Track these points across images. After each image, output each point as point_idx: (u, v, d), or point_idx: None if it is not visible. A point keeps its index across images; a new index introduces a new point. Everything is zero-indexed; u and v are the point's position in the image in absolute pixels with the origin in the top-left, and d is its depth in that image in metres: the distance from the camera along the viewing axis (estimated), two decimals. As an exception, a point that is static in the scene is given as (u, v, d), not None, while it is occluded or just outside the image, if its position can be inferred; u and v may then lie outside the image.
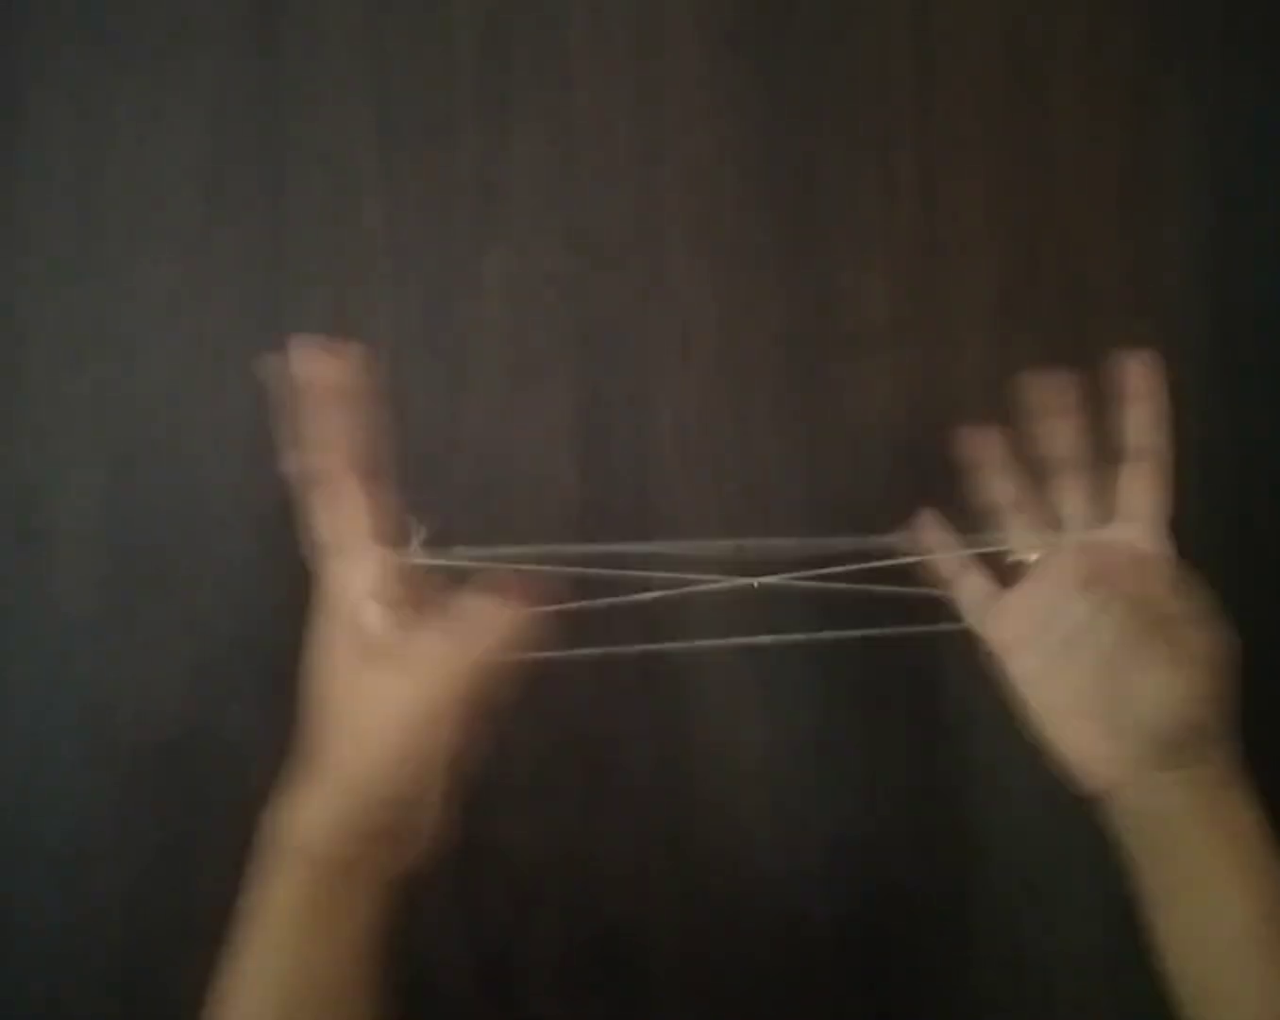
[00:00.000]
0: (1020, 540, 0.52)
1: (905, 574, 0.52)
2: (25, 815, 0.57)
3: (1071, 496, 0.52)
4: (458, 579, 0.49)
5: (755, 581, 0.50)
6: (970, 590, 0.52)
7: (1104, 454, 0.51)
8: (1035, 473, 0.52)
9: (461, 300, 0.59)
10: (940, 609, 0.53)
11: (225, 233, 0.58)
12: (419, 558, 0.46)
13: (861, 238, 0.60)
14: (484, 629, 0.45)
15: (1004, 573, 0.52)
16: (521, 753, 0.58)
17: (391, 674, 0.44)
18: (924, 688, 0.60)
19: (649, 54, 0.59)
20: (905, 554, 0.52)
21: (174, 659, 0.57)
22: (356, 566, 0.45)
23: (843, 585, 0.50)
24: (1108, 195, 0.61)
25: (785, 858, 0.61)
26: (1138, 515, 0.50)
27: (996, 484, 0.53)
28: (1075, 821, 0.59)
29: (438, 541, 0.52)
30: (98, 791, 0.57)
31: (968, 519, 0.53)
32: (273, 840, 0.44)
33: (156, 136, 0.57)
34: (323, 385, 0.46)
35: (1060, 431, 0.51)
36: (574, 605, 0.46)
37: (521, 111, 0.59)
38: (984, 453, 0.53)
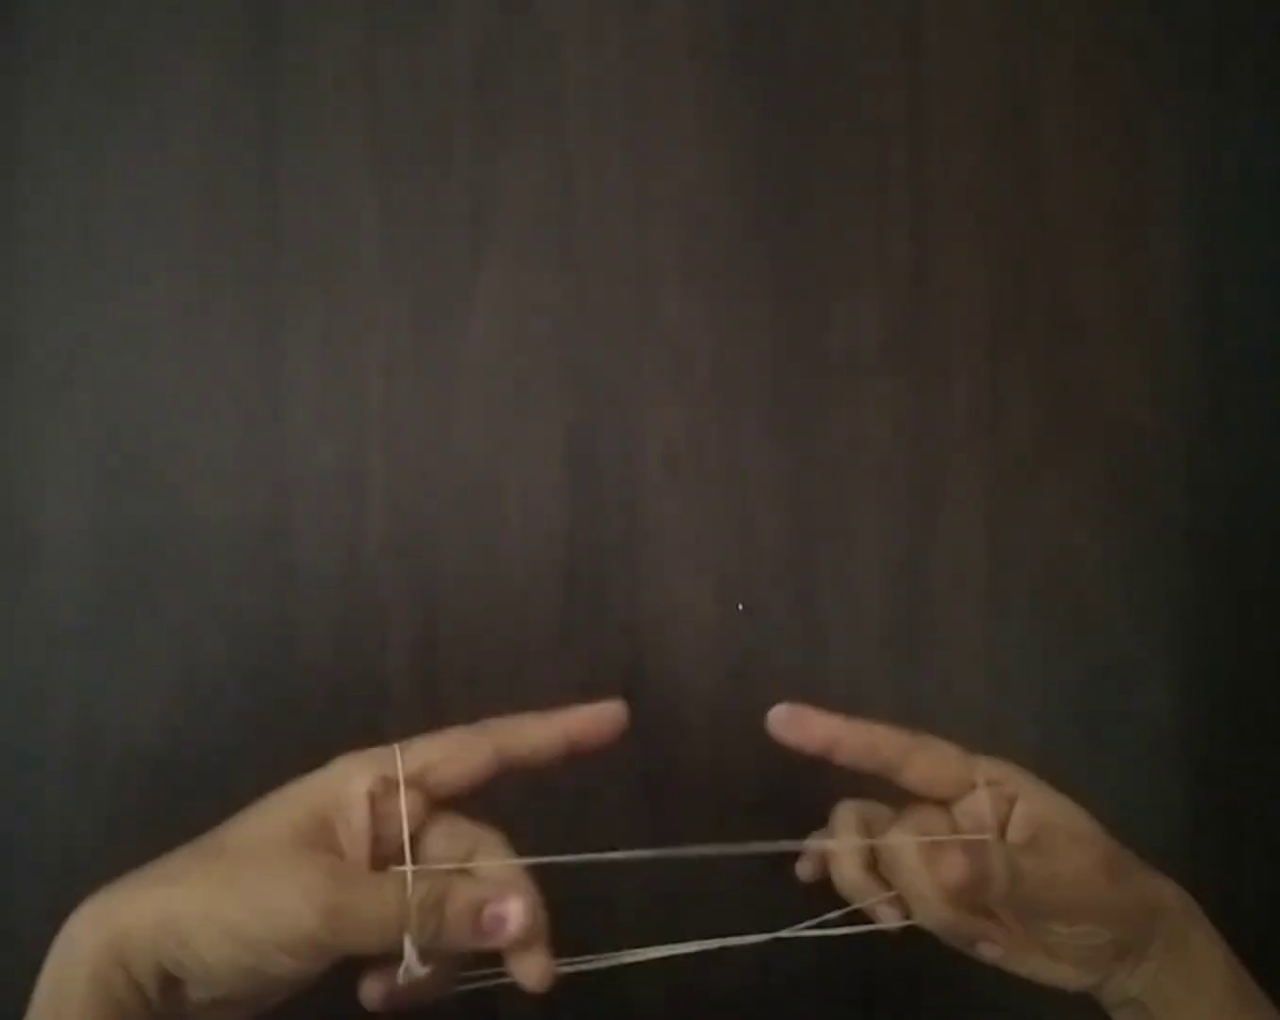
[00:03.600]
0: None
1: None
2: (11, 830, 0.57)
3: (916, 779, 0.48)
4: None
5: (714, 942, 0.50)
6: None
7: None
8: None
9: (453, 325, 0.59)
10: None
11: (219, 253, 0.58)
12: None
13: (853, 267, 0.60)
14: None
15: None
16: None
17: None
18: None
19: (643, 82, 0.59)
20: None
21: (161, 675, 0.57)
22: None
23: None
24: (1097, 226, 0.62)
25: (767, 878, 0.61)
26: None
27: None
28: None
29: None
30: (84, 807, 0.57)
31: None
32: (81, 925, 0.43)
33: (152, 157, 0.57)
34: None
35: (854, 749, 0.48)
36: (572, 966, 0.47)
37: (515, 138, 0.59)
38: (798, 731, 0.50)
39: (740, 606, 0.59)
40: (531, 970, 0.42)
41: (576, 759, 0.45)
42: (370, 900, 0.39)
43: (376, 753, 0.42)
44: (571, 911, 0.59)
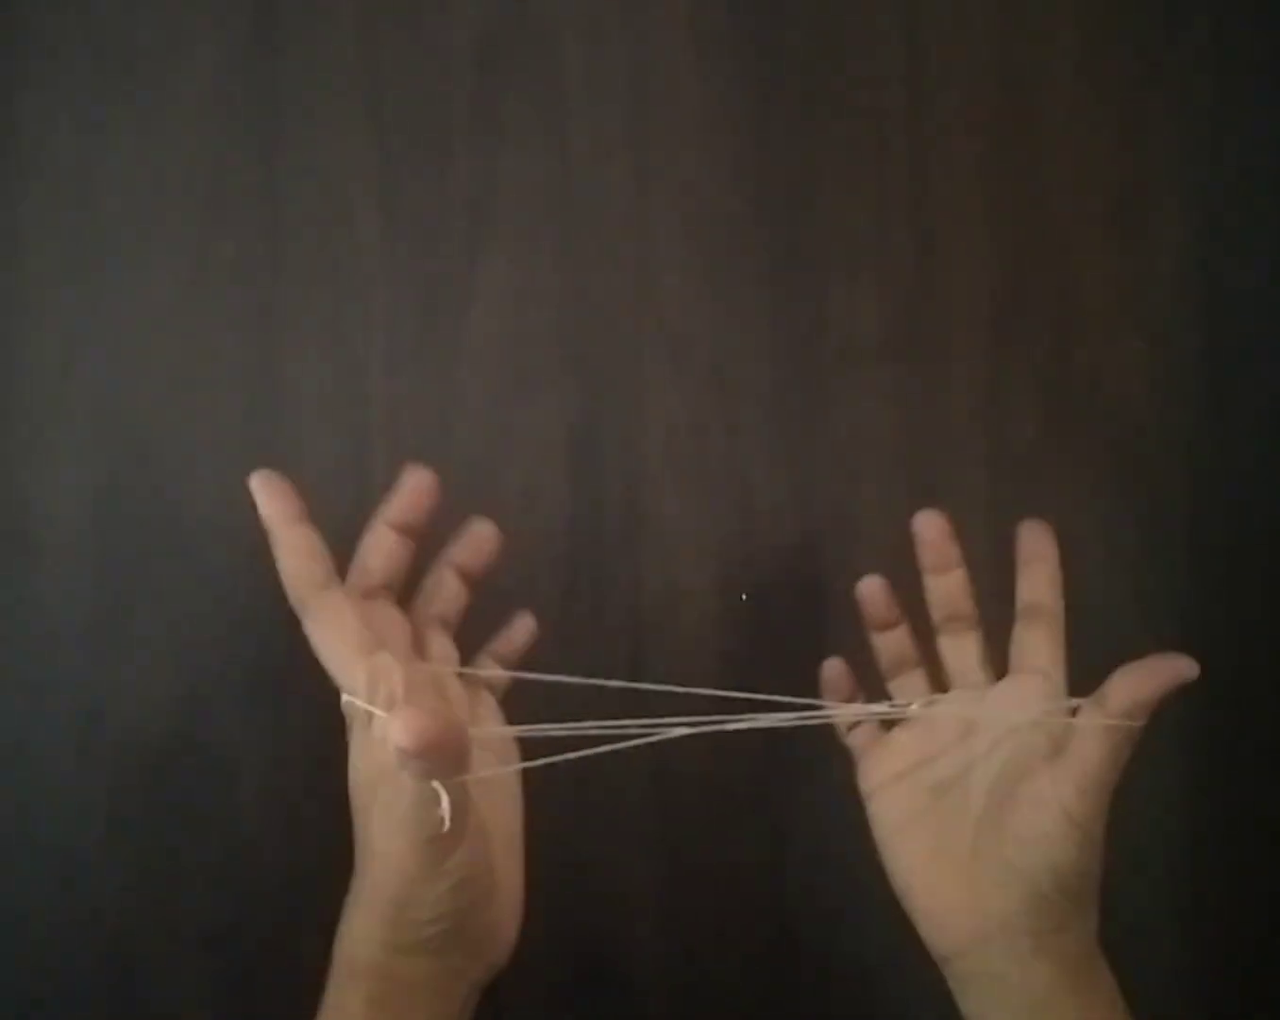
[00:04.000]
0: (907, 694, 0.51)
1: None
2: (12, 823, 0.57)
3: (959, 652, 0.50)
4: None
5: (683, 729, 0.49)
6: (856, 737, 0.51)
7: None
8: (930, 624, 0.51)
9: (453, 316, 0.59)
10: None
11: (220, 246, 0.58)
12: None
13: (854, 256, 0.60)
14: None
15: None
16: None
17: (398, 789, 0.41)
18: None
19: (643, 72, 0.59)
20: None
21: (163, 669, 0.57)
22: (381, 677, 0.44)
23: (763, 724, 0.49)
24: (1099, 216, 0.62)
25: (773, 876, 0.61)
26: (1031, 670, 0.48)
27: (884, 640, 0.51)
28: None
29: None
30: (85, 800, 0.57)
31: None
32: (338, 956, 0.43)
33: (151, 149, 0.57)
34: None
35: (948, 585, 0.49)
36: (576, 754, 0.46)
37: (515, 128, 0.59)
38: (875, 608, 0.51)
39: (744, 597, 0.59)
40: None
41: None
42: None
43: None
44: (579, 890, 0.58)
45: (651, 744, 0.58)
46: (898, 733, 0.50)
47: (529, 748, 0.48)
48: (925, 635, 0.52)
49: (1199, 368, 0.62)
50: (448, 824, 0.39)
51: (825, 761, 0.59)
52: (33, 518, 0.57)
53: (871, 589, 0.50)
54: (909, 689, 0.51)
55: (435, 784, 0.39)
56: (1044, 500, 0.61)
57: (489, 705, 0.51)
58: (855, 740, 0.51)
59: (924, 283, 0.61)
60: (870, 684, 0.53)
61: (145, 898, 0.57)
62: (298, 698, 0.57)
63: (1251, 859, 0.62)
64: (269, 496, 0.47)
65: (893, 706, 0.50)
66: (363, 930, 0.42)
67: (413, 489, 0.48)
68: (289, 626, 0.57)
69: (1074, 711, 0.45)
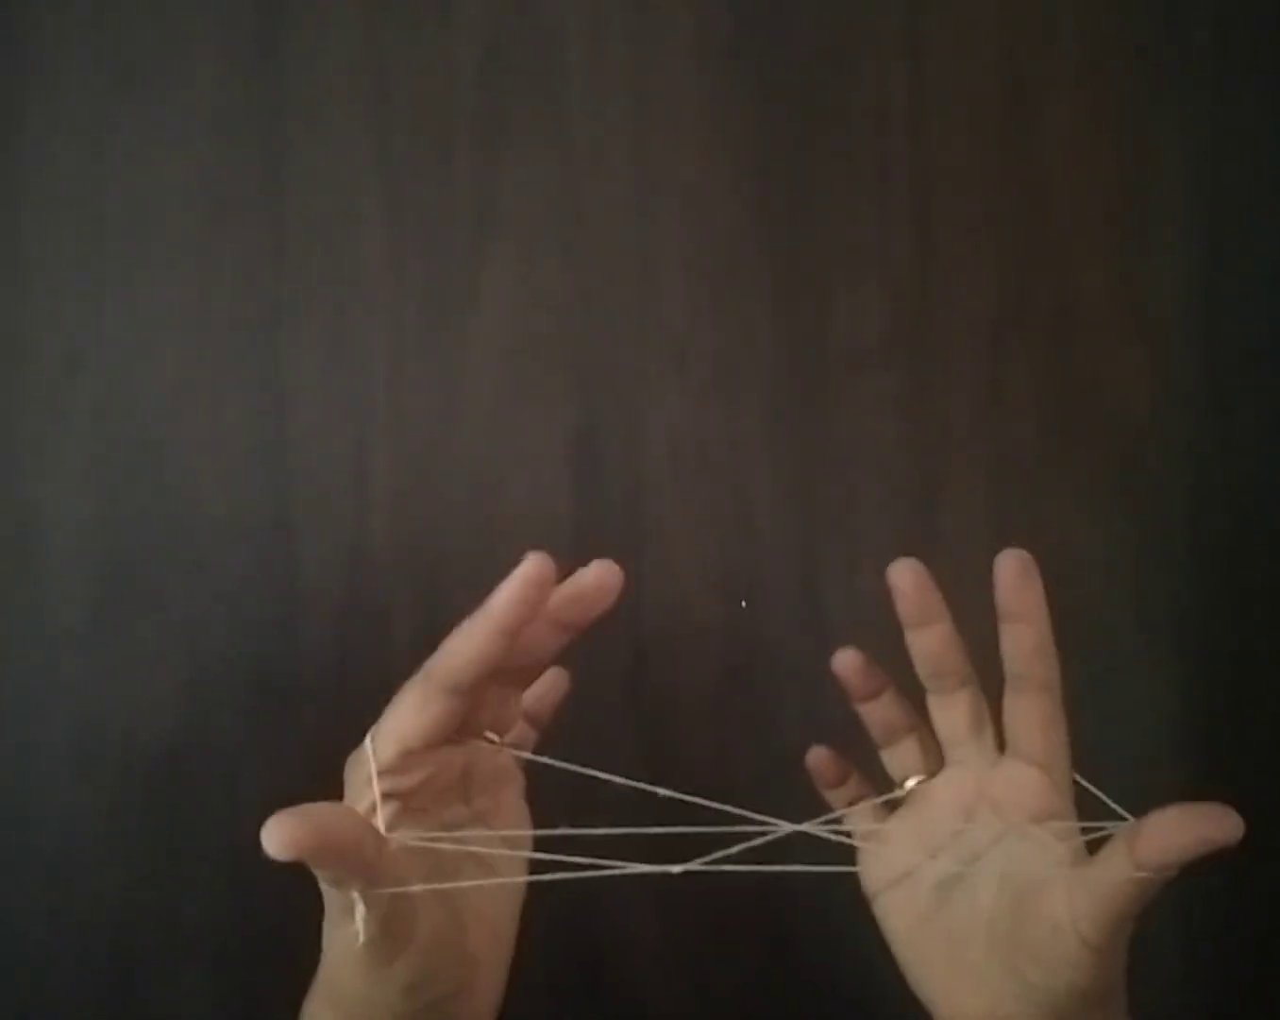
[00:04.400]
0: (901, 766, 0.46)
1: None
2: (14, 826, 0.57)
3: (950, 716, 0.44)
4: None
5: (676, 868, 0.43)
6: (856, 821, 0.47)
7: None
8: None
9: (457, 320, 0.59)
10: None
11: (225, 250, 0.58)
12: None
13: (855, 261, 0.60)
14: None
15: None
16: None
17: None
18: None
19: (645, 77, 0.60)
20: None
21: (165, 672, 0.57)
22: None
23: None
24: (1100, 223, 0.62)
25: (771, 875, 0.61)
26: (1029, 760, 0.43)
27: (871, 711, 0.46)
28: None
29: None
30: (87, 803, 0.57)
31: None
32: (309, 996, 0.41)
33: (157, 155, 0.58)
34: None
35: (930, 639, 0.43)
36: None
37: (519, 133, 0.59)
38: (854, 681, 0.46)
39: (744, 604, 0.59)
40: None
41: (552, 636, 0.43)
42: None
43: (359, 765, 0.40)
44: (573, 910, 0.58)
45: (649, 752, 0.58)
46: (894, 822, 0.45)
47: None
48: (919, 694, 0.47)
49: (1200, 373, 0.62)
50: (361, 938, 0.37)
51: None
52: (36, 521, 0.57)
53: (846, 664, 0.45)
54: (903, 760, 0.46)
55: (354, 895, 0.36)
56: (1044, 506, 0.61)
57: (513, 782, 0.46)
58: (855, 825, 0.46)
59: (925, 289, 0.61)
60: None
61: (146, 901, 0.57)
62: (299, 702, 0.57)
63: (1253, 858, 0.62)
64: (593, 594, 0.42)
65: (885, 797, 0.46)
66: (321, 1006, 0.40)
67: (604, 583, 0.42)
68: (290, 630, 0.57)
69: (1085, 831, 0.42)
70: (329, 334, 0.58)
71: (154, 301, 0.58)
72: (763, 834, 0.42)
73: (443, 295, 0.59)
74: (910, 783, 0.45)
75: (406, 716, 0.39)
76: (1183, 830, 0.38)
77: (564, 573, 0.59)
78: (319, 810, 0.35)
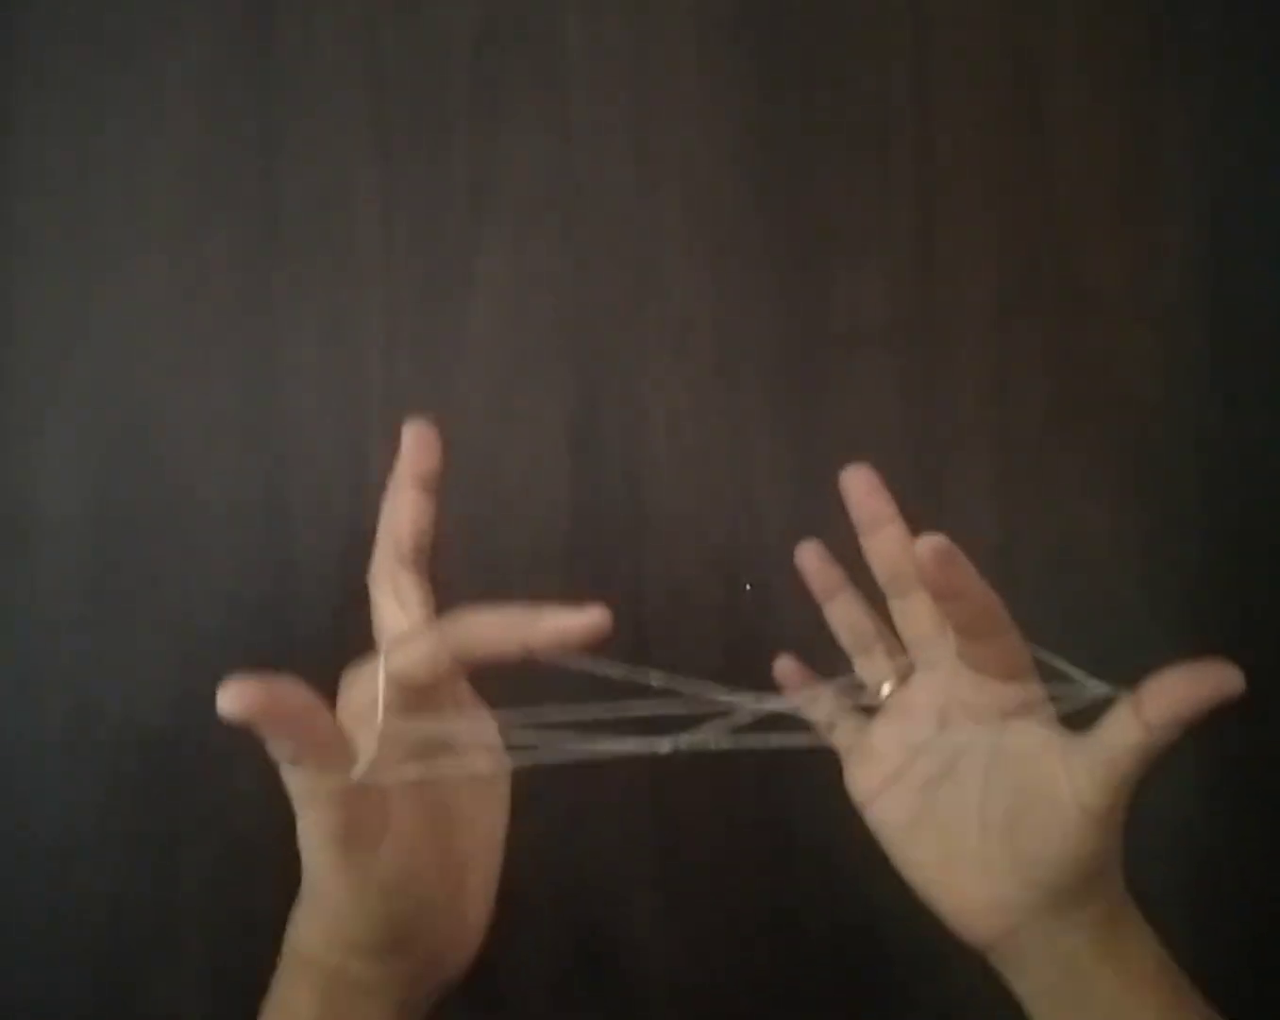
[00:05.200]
0: (873, 675, 0.47)
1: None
2: (9, 813, 0.57)
3: (911, 617, 0.46)
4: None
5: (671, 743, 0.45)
6: (840, 738, 0.47)
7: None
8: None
9: (454, 303, 0.58)
10: None
11: (218, 233, 0.58)
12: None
13: (858, 240, 0.60)
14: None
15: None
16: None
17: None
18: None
19: (644, 54, 0.59)
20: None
21: (159, 658, 0.57)
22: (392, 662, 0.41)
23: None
24: (1105, 200, 0.61)
25: (774, 872, 0.60)
26: (980, 634, 0.42)
27: (839, 613, 0.48)
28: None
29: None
30: (82, 789, 0.57)
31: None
32: (287, 946, 0.41)
33: (149, 136, 0.57)
34: (424, 467, 0.43)
35: (884, 542, 0.44)
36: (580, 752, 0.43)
37: (516, 112, 0.58)
38: (814, 573, 0.48)
39: (747, 587, 0.59)
40: None
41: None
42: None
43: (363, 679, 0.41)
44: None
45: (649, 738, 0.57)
46: (876, 728, 0.46)
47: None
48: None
49: (1207, 353, 0.61)
50: (324, 825, 0.38)
51: (827, 753, 0.59)
52: (30, 506, 0.57)
53: (806, 557, 0.48)
54: (876, 668, 0.47)
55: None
56: (1051, 488, 0.60)
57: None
58: (839, 741, 0.48)
59: (929, 268, 0.60)
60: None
61: (142, 888, 0.57)
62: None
63: (1259, 845, 0.62)
64: (419, 453, 0.43)
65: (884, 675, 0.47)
66: (307, 929, 0.41)
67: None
68: (286, 616, 0.57)
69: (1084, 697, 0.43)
70: (324, 317, 0.58)
71: (146, 285, 0.57)
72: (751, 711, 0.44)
73: (439, 276, 0.58)
74: (885, 690, 0.46)
75: (419, 658, 0.40)
76: (1190, 686, 0.40)
77: (564, 557, 0.59)
78: (276, 680, 0.37)
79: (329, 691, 0.48)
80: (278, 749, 0.38)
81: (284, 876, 0.57)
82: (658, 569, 0.59)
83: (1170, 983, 0.42)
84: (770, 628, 0.59)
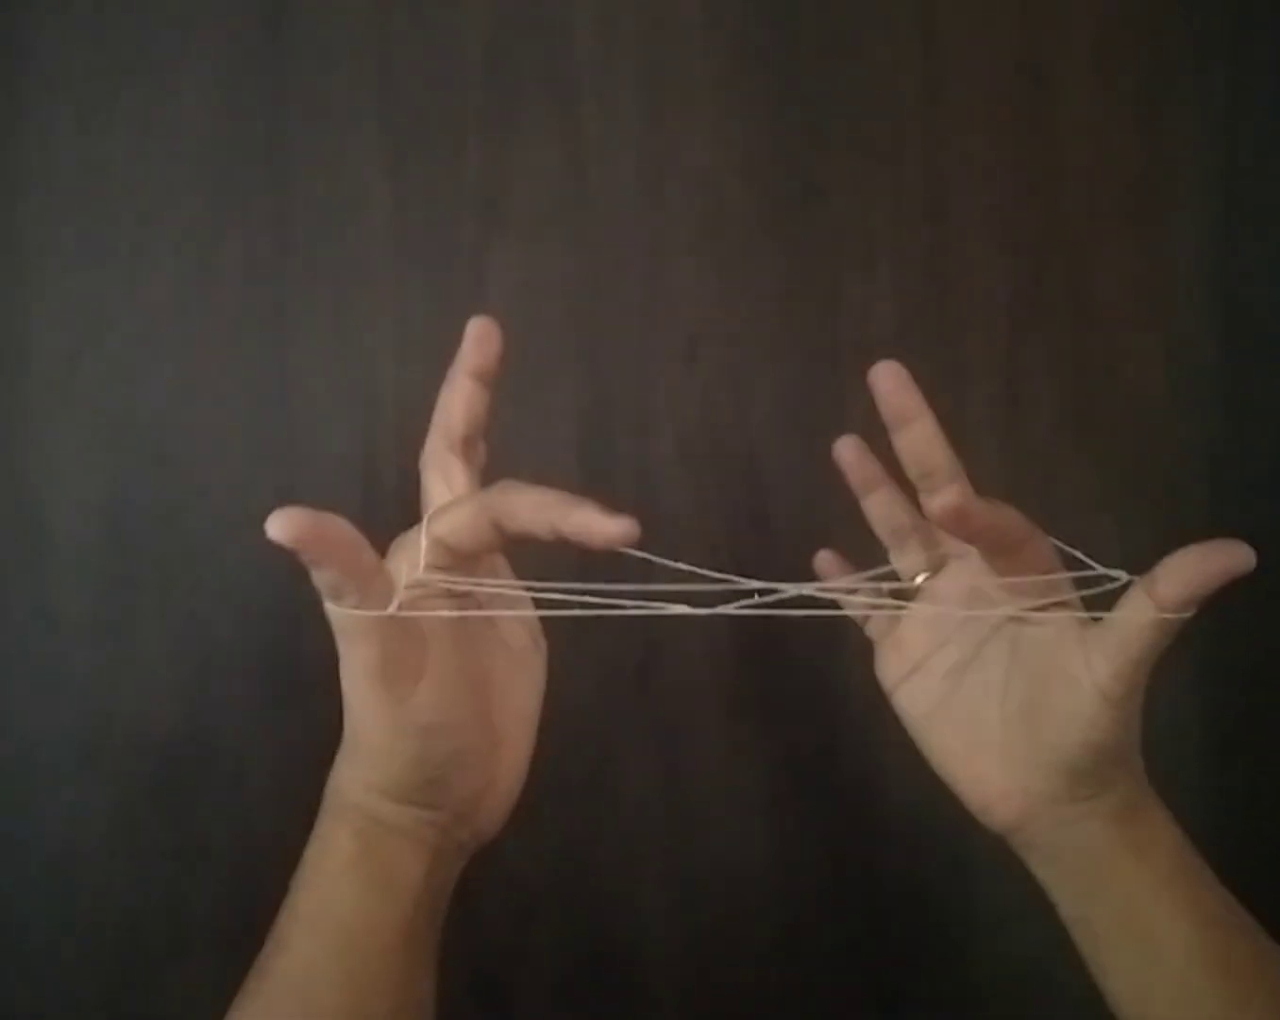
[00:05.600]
0: (908, 565, 0.48)
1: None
2: (22, 821, 0.57)
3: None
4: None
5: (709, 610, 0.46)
6: (873, 627, 0.49)
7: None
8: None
9: (465, 307, 0.58)
10: None
11: (229, 240, 0.58)
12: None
13: (868, 250, 0.60)
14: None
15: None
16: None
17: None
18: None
19: (655, 64, 0.59)
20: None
21: (171, 665, 0.57)
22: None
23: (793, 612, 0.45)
24: (1115, 210, 0.61)
25: (782, 874, 0.60)
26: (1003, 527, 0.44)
27: (872, 505, 0.49)
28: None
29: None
30: (94, 797, 0.57)
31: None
32: (328, 788, 0.43)
33: (160, 141, 0.57)
34: (482, 360, 0.45)
35: (913, 437, 0.44)
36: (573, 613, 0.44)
37: (527, 119, 0.59)
38: (853, 466, 0.49)
39: (755, 595, 0.59)
40: None
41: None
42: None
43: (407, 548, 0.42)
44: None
45: (662, 742, 0.57)
46: (905, 620, 0.47)
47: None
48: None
49: (1216, 360, 0.61)
50: (369, 659, 0.39)
51: (832, 759, 0.59)
52: (41, 518, 0.57)
53: (845, 449, 0.49)
54: (911, 560, 0.48)
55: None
56: (1061, 495, 0.60)
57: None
58: (873, 629, 0.49)
59: (939, 277, 0.60)
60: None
61: (153, 895, 0.57)
62: (306, 698, 0.56)
63: (1269, 846, 0.62)
64: (479, 345, 0.45)
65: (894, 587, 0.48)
66: (347, 771, 0.42)
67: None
68: (297, 623, 0.57)
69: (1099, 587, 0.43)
70: (335, 324, 0.58)
71: (158, 293, 0.57)
72: (773, 591, 0.45)
73: (449, 284, 0.58)
74: (919, 580, 0.47)
75: (459, 525, 0.41)
76: (1201, 563, 0.41)
77: (572, 566, 0.59)
78: (323, 513, 0.38)
79: (340, 710, 0.48)
80: (321, 580, 0.39)
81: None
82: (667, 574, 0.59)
83: (1191, 877, 0.43)
84: (779, 632, 0.59)
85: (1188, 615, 0.41)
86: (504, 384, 0.60)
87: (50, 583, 0.57)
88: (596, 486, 0.59)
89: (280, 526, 0.38)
